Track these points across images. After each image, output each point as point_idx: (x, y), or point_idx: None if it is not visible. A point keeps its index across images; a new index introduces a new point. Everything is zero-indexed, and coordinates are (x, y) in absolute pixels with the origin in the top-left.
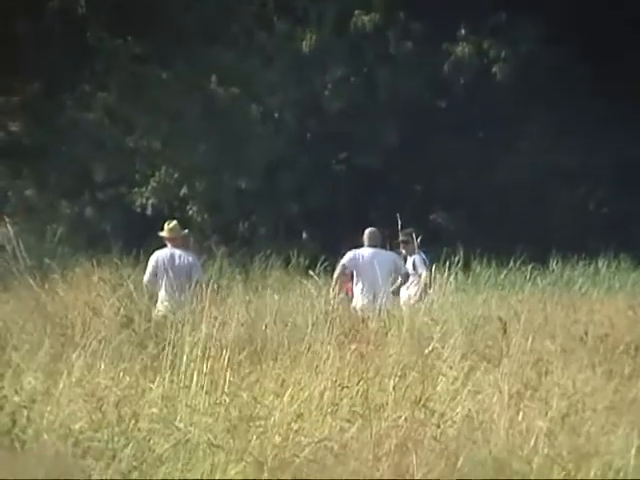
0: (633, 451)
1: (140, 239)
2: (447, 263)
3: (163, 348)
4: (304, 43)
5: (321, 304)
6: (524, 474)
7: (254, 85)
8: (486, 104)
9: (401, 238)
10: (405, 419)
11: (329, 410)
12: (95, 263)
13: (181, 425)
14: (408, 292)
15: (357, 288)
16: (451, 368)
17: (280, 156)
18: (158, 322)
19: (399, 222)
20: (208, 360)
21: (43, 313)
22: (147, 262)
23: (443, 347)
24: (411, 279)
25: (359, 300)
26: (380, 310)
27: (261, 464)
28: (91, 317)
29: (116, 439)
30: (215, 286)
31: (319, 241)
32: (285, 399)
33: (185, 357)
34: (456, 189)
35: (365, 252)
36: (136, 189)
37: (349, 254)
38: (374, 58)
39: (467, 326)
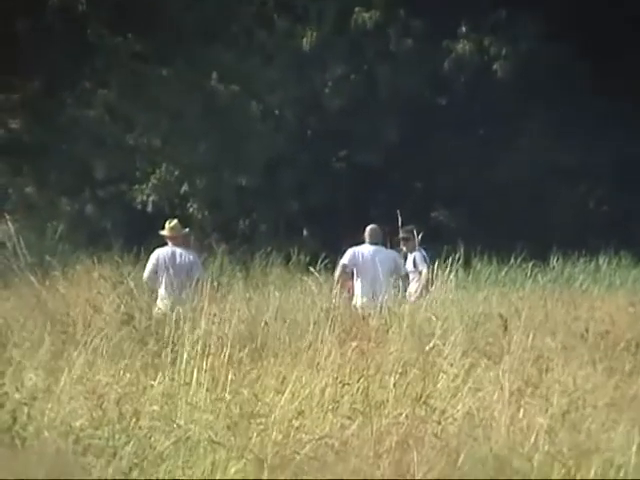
0: (634, 448)
1: (141, 236)
2: (448, 260)
3: (164, 345)
4: (304, 41)
5: (322, 301)
6: (525, 471)
7: (254, 83)
8: (486, 102)
9: (402, 235)
10: (406, 416)
11: (330, 407)
12: (96, 260)
13: (182, 422)
14: (409, 289)
15: (358, 285)
16: (452, 365)
17: (280, 153)
18: (158, 319)
19: (399, 219)
20: (209, 357)
21: (44, 310)
22: (148, 259)
23: (444, 344)
24: (412, 276)
25: (360, 297)
26: (381, 307)
27: (262, 461)
28: (92, 314)
29: (117, 436)
30: (216, 283)
31: (319, 238)
32: (286, 396)
33: (186, 354)
34: (456, 186)
35: (365, 250)
36: (136, 186)
37: (349, 252)
38: (374, 55)
39: (468, 323)
